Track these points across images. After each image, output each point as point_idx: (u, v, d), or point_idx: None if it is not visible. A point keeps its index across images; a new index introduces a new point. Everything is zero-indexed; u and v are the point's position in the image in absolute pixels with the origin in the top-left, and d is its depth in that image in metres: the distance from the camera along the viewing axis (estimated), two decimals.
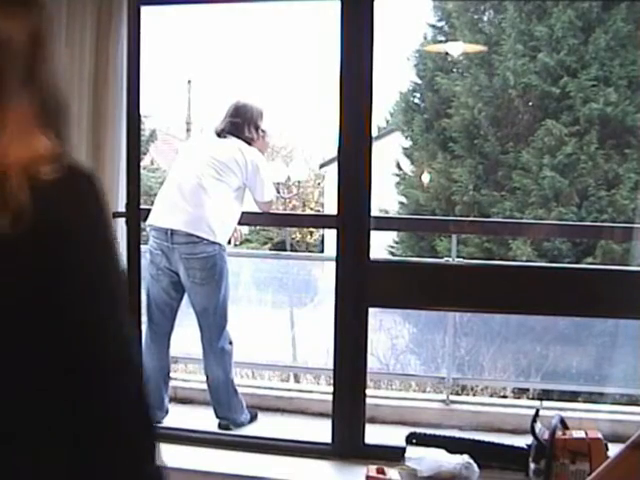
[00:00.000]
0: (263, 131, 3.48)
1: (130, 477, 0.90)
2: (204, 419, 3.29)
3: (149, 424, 0.93)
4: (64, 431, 0.88)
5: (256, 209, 3.53)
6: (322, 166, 12.73)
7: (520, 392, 5.39)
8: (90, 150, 2.53)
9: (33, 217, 0.84)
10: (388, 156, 8.65)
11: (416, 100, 9.32)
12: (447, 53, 8.56)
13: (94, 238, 0.91)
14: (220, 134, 3.41)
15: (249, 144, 3.40)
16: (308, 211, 12.89)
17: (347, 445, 2.79)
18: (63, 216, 0.88)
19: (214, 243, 3.24)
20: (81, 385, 0.88)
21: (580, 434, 2.55)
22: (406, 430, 2.84)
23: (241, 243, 4.63)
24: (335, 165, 2.81)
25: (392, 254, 8.68)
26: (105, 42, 2.51)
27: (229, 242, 3.50)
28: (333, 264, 2.76)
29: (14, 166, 0.86)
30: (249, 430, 3.28)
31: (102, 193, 0.94)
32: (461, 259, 5.52)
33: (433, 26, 9.16)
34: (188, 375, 4.12)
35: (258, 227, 10.86)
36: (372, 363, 5.27)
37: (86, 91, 2.53)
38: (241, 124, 3.39)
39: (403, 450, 2.72)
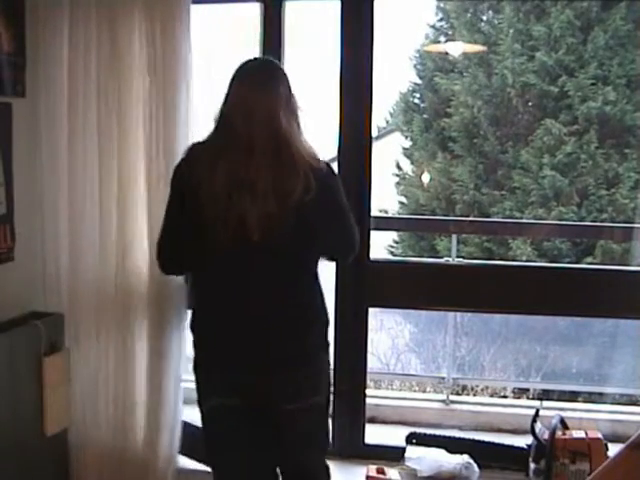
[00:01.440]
0: None
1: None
2: None
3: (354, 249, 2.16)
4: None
5: None
6: None
7: (520, 392, 5.39)
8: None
9: (315, 185, 1.91)
10: (388, 156, 8.64)
11: (416, 100, 9.32)
12: (447, 53, 8.56)
13: (336, 189, 2.04)
14: None
15: None
16: None
17: (347, 445, 2.79)
18: (325, 182, 1.96)
19: None
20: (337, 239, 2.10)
21: (580, 434, 2.55)
22: (406, 430, 2.84)
23: None
24: (335, 165, 2.80)
25: (392, 254, 8.67)
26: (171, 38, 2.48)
27: None
28: (333, 264, 2.76)
29: (306, 162, 1.93)
30: None
31: (336, 172, 2.11)
32: (461, 259, 5.52)
33: (433, 26, 9.16)
34: None
35: None
36: (372, 363, 5.27)
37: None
38: None
39: (403, 450, 2.72)
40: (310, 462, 2.14)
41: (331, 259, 2.27)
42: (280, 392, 2.00)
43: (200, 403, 2.10)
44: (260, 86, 1.95)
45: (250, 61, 2.03)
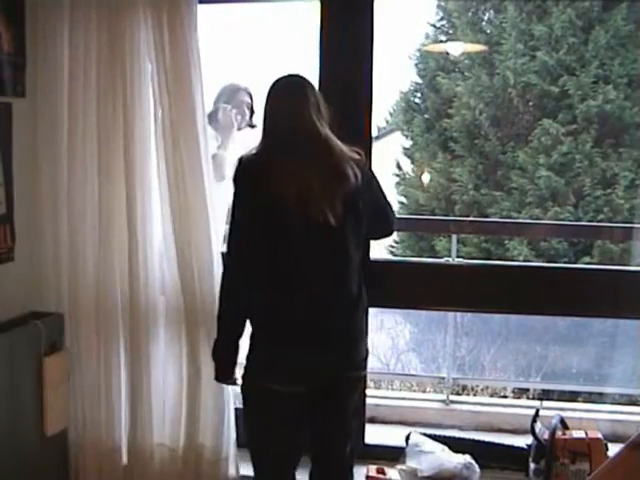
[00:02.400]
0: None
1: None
2: None
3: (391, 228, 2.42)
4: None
5: None
6: None
7: (520, 392, 5.39)
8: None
9: (360, 174, 2.16)
10: (388, 156, 8.64)
11: (417, 100, 9.32)
12: (447, 53, 8.55)
13: (374, 175, 2.30)
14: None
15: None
16: None
17: None
18: (366, 170, 2.23)
19: None
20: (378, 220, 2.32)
21: (580, 434, 2.55)
22: (406, 430, 2.84)
23: None
24: None
25: (392, 254, 8.67)
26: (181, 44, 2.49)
27: None
28: None
29: (348, 155, 2.16)
30: None
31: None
32: (461, 259, 5.52)
33: (434, 25, 9.16)
34: None
35: None
36: (372, 363, 5.26)
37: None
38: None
39: (403, 450, 2.72)
40: (344, 445, 2.27)
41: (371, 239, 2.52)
42: (341, 364, 2.16)
43: (250, 386, 2.17)
44: (293, 97, 2.20)
45: (281, 78, 2.25)
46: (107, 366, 2.62)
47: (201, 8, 2.53)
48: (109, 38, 2.51)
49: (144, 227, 2.56)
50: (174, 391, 2.63)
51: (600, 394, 4.58)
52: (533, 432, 2.58)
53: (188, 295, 2.55)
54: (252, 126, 3.39)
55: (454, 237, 4.96)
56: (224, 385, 2.45)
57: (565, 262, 7.43)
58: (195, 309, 2.54)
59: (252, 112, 3.36)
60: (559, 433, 2.55)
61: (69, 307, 2.62)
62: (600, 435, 2.55)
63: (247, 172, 2.15)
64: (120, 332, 2.62)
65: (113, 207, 2.57)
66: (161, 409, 2.64)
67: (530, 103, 8.32)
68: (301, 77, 2.28)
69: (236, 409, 2.61)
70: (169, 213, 2.55)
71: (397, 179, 9.29)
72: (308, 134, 2.14)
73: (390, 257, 8.16)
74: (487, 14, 8.88)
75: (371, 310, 2.79)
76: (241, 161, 2.17)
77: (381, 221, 2.34)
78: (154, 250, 2.59)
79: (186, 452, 2.62)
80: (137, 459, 2.65)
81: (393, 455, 2.70)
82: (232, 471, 2.64)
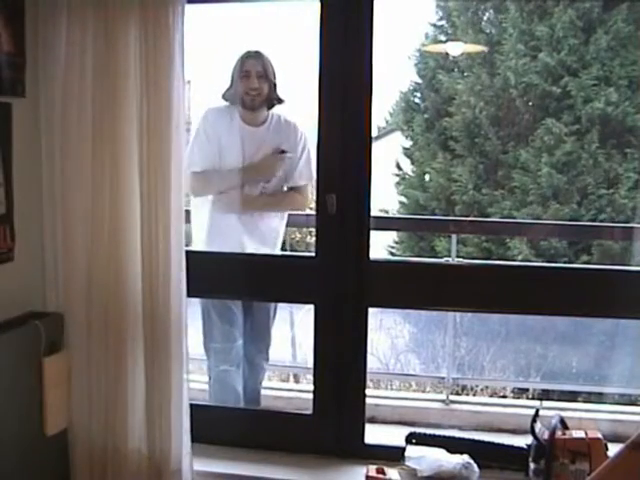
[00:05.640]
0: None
1: None
2: None
3: None
4: None
5: None
6: None
7: (520, 392, 5.39)
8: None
9: None
10: (388, 156, 8.64)
11: (416, 100, 9.32)
12: (447, 54, 8.56)
13: None
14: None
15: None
16: (308, 211, 12.84)
17: (347, 445, 2.79)
18: None
19: None
20: None
21: (580, 434, 2.54)
22: (406, 430, 2.84)
23: None
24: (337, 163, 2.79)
25: (392, 254, 8.67)
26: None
27: None
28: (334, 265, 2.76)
29: None
30: None
31: None
32: (461, 259, 5.52)
33: (434, 25, 9.16)
34: None
35: None
36: (372, 363, 5.27)
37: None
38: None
39: (403, 450, 2.72)
40: None
41: None
42: None
43: None
44: None
45: None
46: (106, 365, 2.62)
47: (200, 8, 2.54)
48: (105, 39, 2.50)
49: (149, 226, 2.56)
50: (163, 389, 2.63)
51: (600, 394, 4.58)
52: (533, 432, 2.58)
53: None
54: (275, 101, 3.13)
55: (454, 237, 4.97)
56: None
57: (565, 261, 7.44)
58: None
59: (268, 82, 3.08)
60: (559, 433, 2.54)
61: (67, 307, 2.62)
62: (600, 435, 2.54)
63: None
64: (121, 333, 2.61)
65: (115, 206, 2.57)
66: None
67: (530, 103, 8.33)
68: None
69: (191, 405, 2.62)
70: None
71: (397, 179, 9.28)
72: None
73: (390, 257, 8.17)
74: (487, 14, 8.89)
75: (371, 310, 2.81)
76: None
77: None
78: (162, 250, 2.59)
79: None
80: (145, 460, 2.64)
81: (393, 455, 2.70)
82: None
